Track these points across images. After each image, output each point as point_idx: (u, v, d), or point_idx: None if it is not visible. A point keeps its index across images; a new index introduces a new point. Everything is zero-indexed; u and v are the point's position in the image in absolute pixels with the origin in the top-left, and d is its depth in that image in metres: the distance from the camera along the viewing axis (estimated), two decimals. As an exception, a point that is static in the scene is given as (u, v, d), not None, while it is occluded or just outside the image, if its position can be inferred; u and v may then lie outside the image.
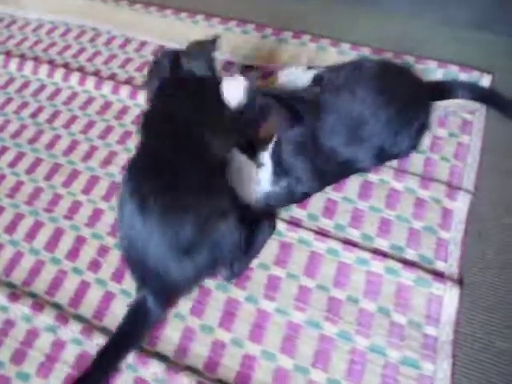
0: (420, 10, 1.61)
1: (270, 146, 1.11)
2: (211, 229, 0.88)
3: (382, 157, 1.10)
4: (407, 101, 1.09)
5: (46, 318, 0.99)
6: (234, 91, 1.14)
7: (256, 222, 1.05)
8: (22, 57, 1.59)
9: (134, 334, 0.94)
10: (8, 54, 1.60)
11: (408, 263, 1.01)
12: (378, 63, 1.18)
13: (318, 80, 1.20)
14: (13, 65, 1.55)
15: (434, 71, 1.37)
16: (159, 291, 0.92)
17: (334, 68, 1.20)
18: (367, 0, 1.67)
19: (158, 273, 0.88)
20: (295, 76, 1.29)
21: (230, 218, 0.91)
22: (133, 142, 1.29)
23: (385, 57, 1.41)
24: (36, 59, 1.58)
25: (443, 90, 1.28)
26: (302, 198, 1.11)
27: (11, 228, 1.17)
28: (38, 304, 1.01)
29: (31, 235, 1.15)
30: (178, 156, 0.96)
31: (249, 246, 1.01)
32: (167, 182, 0.91)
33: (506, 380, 0.88)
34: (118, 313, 0.99)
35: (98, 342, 0.95)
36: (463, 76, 1.34)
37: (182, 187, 0.91)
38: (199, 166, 0.96)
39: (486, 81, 1.33)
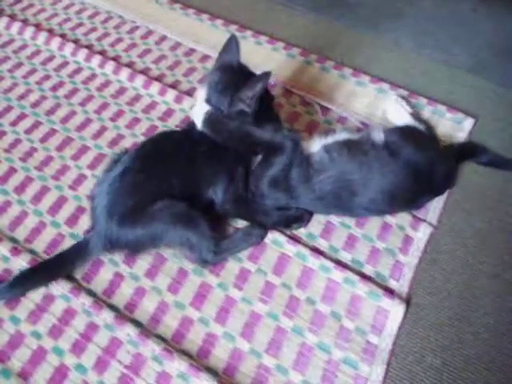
0: (422, 45, 1.71)
1: None
2: (146, 209, 1.07)
3: None
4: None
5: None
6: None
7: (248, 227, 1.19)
8: (64, 37, 1.69)
9: (72, 260, 1.12)
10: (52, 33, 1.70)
11: (365, 277, 1.13)
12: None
13: None
14: (41, 38, 1.65)
15: (422, 107, 1.47)
16: (103, 238, 1.09)
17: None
18: (370, 28, 1.77)
19: (103, 224, 1.08)
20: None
21: (159, 205, 1.07)
22: (140, 129, 1.41)
23: (381, 87, 1.52)
24: (64, 36, 1.69)
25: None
26: None
27: (20, 189, 1.28)
28: (35, 260, 1.13)
29: (37, 198, 1.26)
30: (177, 159, 1.15)
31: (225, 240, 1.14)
32: (151, 169, 1.13)
33: (430, 391, 1.01)
34: (104, 277, 1.13)
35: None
36: (449, 116, 1.45)
37: (154, 177, 1.12)
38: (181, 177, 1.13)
39: (468, 124, 1.43)
